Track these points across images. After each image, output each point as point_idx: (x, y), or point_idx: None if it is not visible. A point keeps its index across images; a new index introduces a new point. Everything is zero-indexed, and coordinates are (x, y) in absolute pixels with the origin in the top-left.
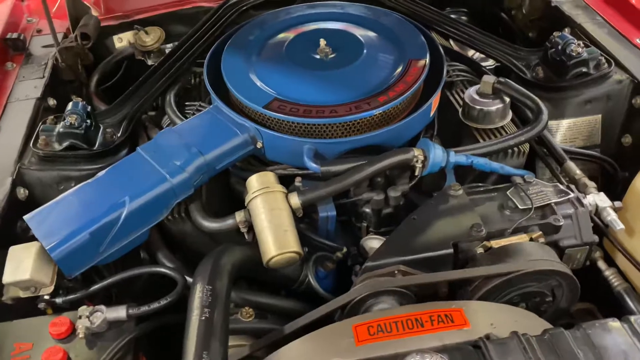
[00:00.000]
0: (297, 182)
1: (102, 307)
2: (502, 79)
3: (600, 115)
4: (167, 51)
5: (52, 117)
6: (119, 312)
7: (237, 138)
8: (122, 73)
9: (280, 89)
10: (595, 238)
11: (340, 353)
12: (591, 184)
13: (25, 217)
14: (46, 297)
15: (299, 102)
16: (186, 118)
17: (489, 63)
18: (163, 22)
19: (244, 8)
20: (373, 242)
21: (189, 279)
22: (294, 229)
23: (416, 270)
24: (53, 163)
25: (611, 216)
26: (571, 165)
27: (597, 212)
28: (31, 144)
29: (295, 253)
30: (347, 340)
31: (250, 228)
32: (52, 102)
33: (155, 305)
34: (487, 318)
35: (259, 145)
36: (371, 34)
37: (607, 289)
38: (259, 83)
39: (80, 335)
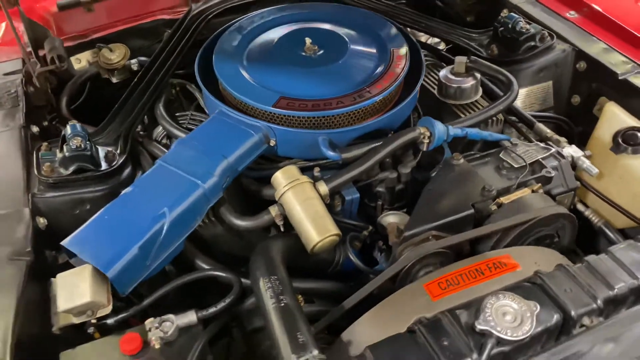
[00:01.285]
0: (316, 172)
1: (171, 316)
2: (473, 58)
3: (551, 82)
4: (133, 67)
5: (45, 143)
6: (190, 317)
7: (252, 138)
8: (87, 93)
9: (283, 87)
10: (578, 184)
11: (421, 310)
12: (563, 139)
13: (63, 243)
14: (93, 320)
15: (304, 97)
16: (182, 128)
17: (442, 47)
18: (123, 39)
19: (208, 18)
20: (390, 218)
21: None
22: (328, 214)
23: (446, 233)
24: (64, 188)
25: (586, 164)
26: (540, 126)
27: (574, 161)
28: (36, 172)
29: (335, 235)
30: (423, 298)
31: (286, 220)
32: (35, 129)
33: (221, 305)
34: (529, 259)
35: (272, 143)
36: (347, 29)
37: (587, 227)
38: (260, 85)
39: (156, 346)
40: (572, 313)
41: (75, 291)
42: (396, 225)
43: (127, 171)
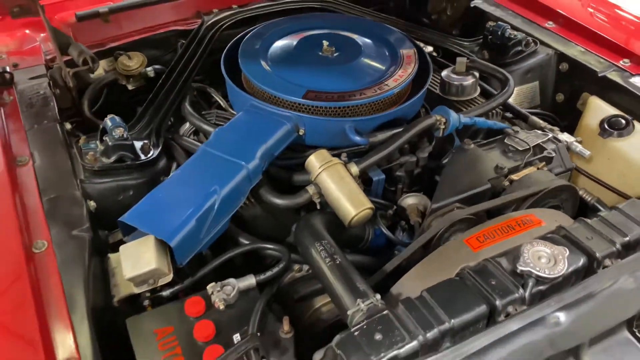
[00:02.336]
0: (344, 157)
1: (232, 279)
2: (472, 58)
3: (537, 82)
4: (149, 74)
5: (83, 137)
6: (249, 281)
7: (284, 127)
8: (104, 98)
9: (308, 82)
10: (574, 164)
11: (465, 261)
12: (556, 128)
13: (122, 219)
14: (147, 294)
15: (329, 90)
16: (211, 124)
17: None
18: (137, 49)
19: (221, 29)
20: (410, 200)
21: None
22: (361, 191)
23: (467, 205)
24: (108, 175)
25: (579, 147)
26: (534, 118)
27: (567, 146)
28: (80, 161)
29: (370, 209)
30: (465, 250)
31: (322, 198)
32: (68, 125)
33: (275, 269)
34: (549, 218)
35: (301, 132)
36: (358, 35)
37: (581, 205)
38: (287, 80)
39: (221, 307)
40: (597, 255)
41: (140, 260)
42: (416, 206)
43: (162, 162)
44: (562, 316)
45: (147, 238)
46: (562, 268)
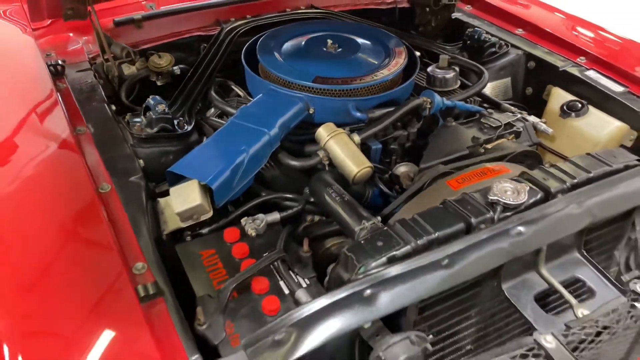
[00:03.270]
0: (347, 130)
1: (261, 214)
2: (452, 55)
3: (509, 78)
4: (175, 72)
5: (129, 114)
6: (274, 216)
7: (298, 105)
8: (137, 92)
9: (316, 70)
10: (539, 140)
11: (447, 196)
12: (524, 112)
13: (170, 169)
14: (188, 232)
15: (334, 76)
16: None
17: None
18: (165, 50)
19: (238, 34)
20: (402, 168)
21: None
22: (362, 154)
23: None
24: (153, 142)
25: (543, 126)
26: (506, 105)
27: (533, 125)
28: (129, 131)
29: (369, 167)
30: (447, 190)
31: (330, 161)
32: (113, 107)
33: (295, 208)
34: (514, 168)
35: (311, 110)
36: (357, 36)
37: None
38: (298, 69)
39: (253, 234)
40: (552, 190)
41: (187, 198)
42: (407, 173)
43: (195, 136)
44: (522, 229)
45: (192, 182)
46: (523, 198)
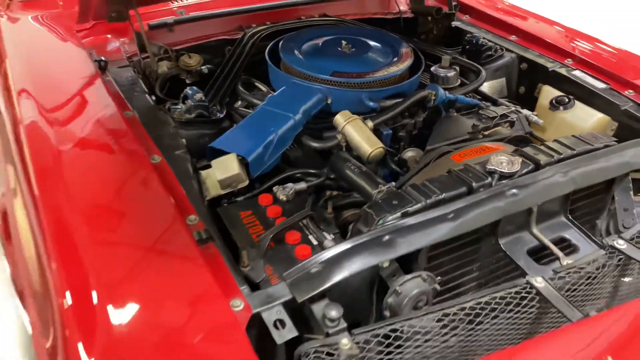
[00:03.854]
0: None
1: (290, 183)
2: (454, 56)
3: (504, 78)
4: (204, 71)
5: (168, 102)
6: (302, 185)
7: (317, 95)
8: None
9: (333, 66)
10: (531, 130)
11: (451, 167)
12: (518, 106)
13: (212, 144)
14: (225, 200)
15: (349, 71)
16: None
17: None
18: (193, 52)
19: (260, 37)
20: (410, 152)
21: None
22: (375, 136)
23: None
24: (191, 126)
25: (535, 118)
26: (501, 101)
27: (526, 116)
28: (170, 116)
29: (381, 148)
30: (451, 163)
31: (346, 143)
32: (152, 97)
33: (319, 179)
34: (509, 147)
35: (329, 101)
36: (367, 38)
37: None
38: (318, 65)
39: (284, 199)
40: (541, 162)
41: (227, 168)
42: (414, 157)
43: (226, 122)
44: (515, 191)
45: (231, 155)
46: (517, 168)
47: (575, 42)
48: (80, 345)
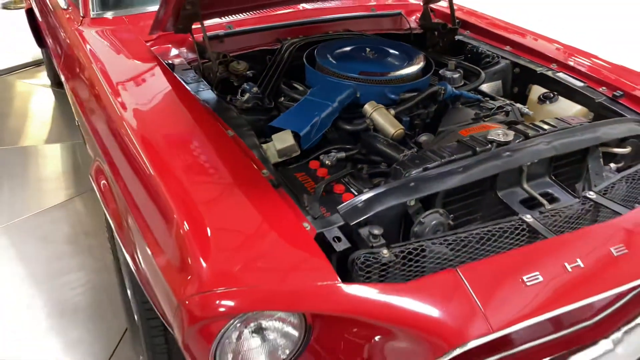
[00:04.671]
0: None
1: (333, 152)
2: (458, 61)
3: (500, 81)
4: (249, 75)
5: (229, 96)
6: (341, 154)
7: (349, 90)
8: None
9: (361, 67)
10: (523, 120)
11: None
12: (511, 102)
13: (271, 124)
14: (280, 167)
15: (374, 71)
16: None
17: None
18: (241, 59)
19: (296, 48)
20: (424, 137)
21: None
22: (396, 121)
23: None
24: (250, 112)
25: (526, 110)
26: (498, 97)
27: (519, 109)
28: (232, 105)
29: (402, 129)
30: (459, 136)
31: (374, 126)
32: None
33: (354, 150)
34: (503, 126)
35: (358, 94)
36: (384, 46)
37: None
38: (348, 66)
39: (328, 164)
40: (529, 134)
41: (284, 140)
42: (427, 141)
43: (275, 111)
44: (509, 153)
45: (286, 131)
46: (510, 138)
47: (558, 50)
48: (198, 255)
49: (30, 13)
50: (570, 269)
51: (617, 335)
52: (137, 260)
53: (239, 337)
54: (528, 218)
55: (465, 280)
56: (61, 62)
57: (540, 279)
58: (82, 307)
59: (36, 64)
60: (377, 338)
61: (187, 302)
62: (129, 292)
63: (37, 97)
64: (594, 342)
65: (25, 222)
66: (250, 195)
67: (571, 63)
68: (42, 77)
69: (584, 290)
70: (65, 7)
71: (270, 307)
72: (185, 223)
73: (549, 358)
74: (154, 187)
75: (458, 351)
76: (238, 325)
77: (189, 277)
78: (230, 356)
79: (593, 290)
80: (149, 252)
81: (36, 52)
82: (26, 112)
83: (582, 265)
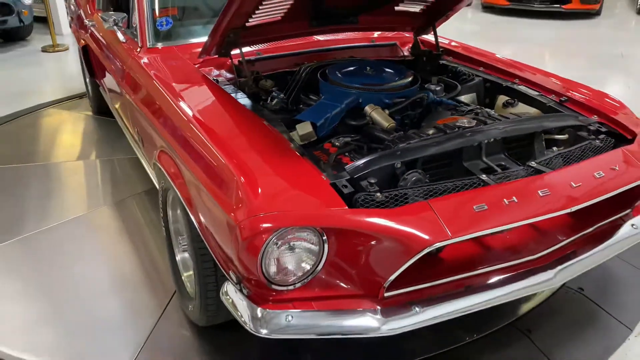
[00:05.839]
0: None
1: (341, 137)
2: (438, 77)
3: (475, 93)
4: (274, 90)
5: (261, 102)
6: (347, 138)
7: (354, 96)
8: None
9: (363, 80)
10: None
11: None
12: (481, 107)
13: (297, 117)
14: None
15: (372, 83)
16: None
17: None
18: (268, 78)
19: (312, 69)
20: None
21: None
22: (390, 118)
23: None
24: (277, 113)
25: (492, 112)
26: (472, 104)
27: (487, 112)
28: (265, 107)
29: (394, 123)
30: (436, 125)
31: (372, 122)
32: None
33: (356, 137)
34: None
35: (360, 100)
36: (381, 66)
37: None
38: (352, 80)
39: (338, 145)
40: (487, 122)
41: (305, 128)
42: None
43: (296, 113)
44: (471, 133)
45: (306, 122)
46: (473, 124)
47: (519, 69)
48: (249, 194)
49: (84, 49)
50: (507, 202)
51: (557, 267)
52: (201, 215)
53: (276, 251)
54: (484, 177)
55: (432, 208)
56: (122, 82)
57: (486, 207)
58: (136, 275)
59: (78, 96)
60: (372, 242)
61: (241, 225)
62: (180, 254)
63: (76, 123)
64: (540, 270)
65: (81, 219)
66: (284, 158)
67: (529, 78)
68: (80, 107)
69: (516, 216)
70: (124, 41)
71: (299, 224)
72: (240, 177)
73: (507, 275)
74: (215, 157)
75: (427, 250)
76: (275, 241)
77: (242, 209)
78: (272, 264)
79: (522, 217)
80: (214, 201)
81: (74, 88)
82: (62, 134)
83: (516, 200)
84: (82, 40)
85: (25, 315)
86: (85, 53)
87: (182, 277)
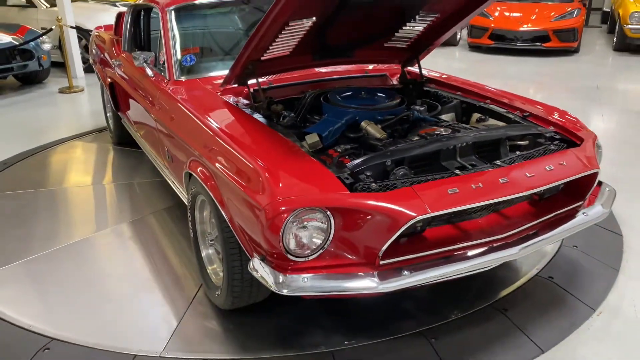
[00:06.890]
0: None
1: (342, 145)
2: (422, 99)
3: (454, 112)
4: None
5: (274, 120)
6: (347, 146)
7: (352, 114)
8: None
9: (359, 102)
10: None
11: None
12: (457, 122)
13: (306, 129)
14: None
15: (367, 104)
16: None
17: None
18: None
19: (315, 95)
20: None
21: None
22: (383, 131)
23: None
24: (289, 128)
25: (467, 126)
26: (450, 121)
27: (462, 126)
28: (278, 123)
29: (385, 134)
30: (418, 134)
31: (368, 134)
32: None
33: (354, 146)
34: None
35: (357, 118)
36: (376, 91)
37: None
38: (350, 103)
39: (340, 151)
40: (461, 131)
41: (313, 138)
42: None
43: (304, 130)
44: (446, 139)
45: (313, 134)
46: (448, 132)
47: (491, 93)
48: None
49: (111, 86)
50: (474, 187)
51: (521, 245)
52: (230, 209)
53: (294, 228)
54: (457, 172)
55: (416, 191)
56: (152, 109)
57: (457, 191)
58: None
59: (98, 130)
60: (368, 217)
61: (265, 208)
62: (205, 250)
63: (99, 152)
64: (508, 246)
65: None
66: (297, 159)
67: (498, 99)
68: (100, 140)
69: (481, 197)
70: (152, 76)
71: (311, 204)
72: (265, 173)
73: (481, 250)
74: (242, 161)
75: (411, 222)
76: (292, 220)
77: (265, 196)
78: (291, 239)
79: (486, 198)
80: (243, 194)
81: (93, 124)
82: (87, 163)
83: (481, 185)
84: (108, 79)
85: (75, 304)
86: (111, 89)
87: (208, 270)
